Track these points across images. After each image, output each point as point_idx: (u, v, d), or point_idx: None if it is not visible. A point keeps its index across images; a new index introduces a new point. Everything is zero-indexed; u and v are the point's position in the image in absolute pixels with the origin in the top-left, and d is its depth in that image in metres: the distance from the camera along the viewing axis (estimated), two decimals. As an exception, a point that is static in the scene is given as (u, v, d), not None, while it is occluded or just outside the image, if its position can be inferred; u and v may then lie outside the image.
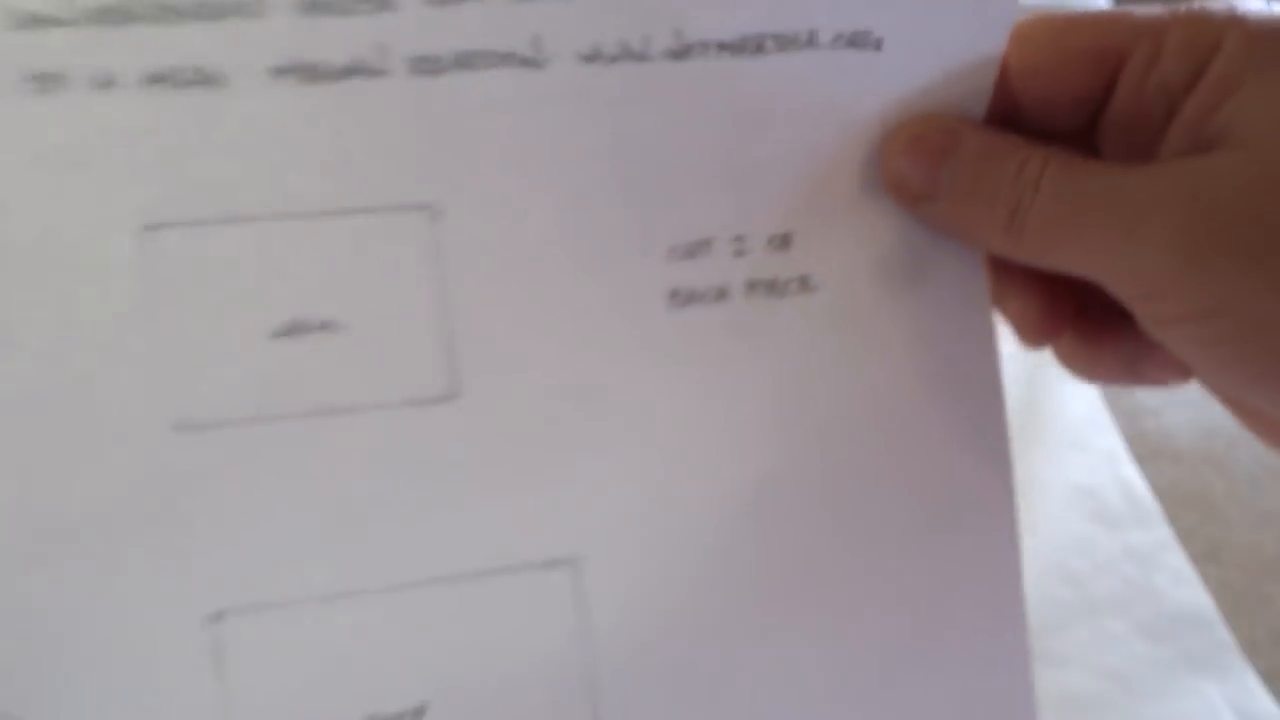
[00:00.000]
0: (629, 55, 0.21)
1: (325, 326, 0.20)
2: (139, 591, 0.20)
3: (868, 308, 0.23)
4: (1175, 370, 0.23)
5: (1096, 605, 0.40)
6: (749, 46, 0.22)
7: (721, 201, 0.22)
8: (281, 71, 0.19)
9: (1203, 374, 0.21)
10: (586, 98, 0.21)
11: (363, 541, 0.21)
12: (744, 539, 0.23)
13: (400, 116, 0.20)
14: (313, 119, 0.19)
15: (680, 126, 0.22)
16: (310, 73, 0.19)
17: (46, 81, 0.18)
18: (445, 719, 0.22)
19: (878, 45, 0.22)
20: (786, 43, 0.22)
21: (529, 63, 0.20)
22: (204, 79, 0.19)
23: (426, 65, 0.20)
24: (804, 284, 0.23)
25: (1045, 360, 0.25)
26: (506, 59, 0.20)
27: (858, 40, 0.22)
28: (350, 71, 0.20)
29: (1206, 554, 0.43)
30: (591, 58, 0.21)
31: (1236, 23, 0.20)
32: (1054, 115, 0.22)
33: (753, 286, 0.23)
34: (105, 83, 0.18)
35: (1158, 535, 0.41)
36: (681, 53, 0.21)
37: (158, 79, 0.19)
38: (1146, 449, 0.46)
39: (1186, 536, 0.43)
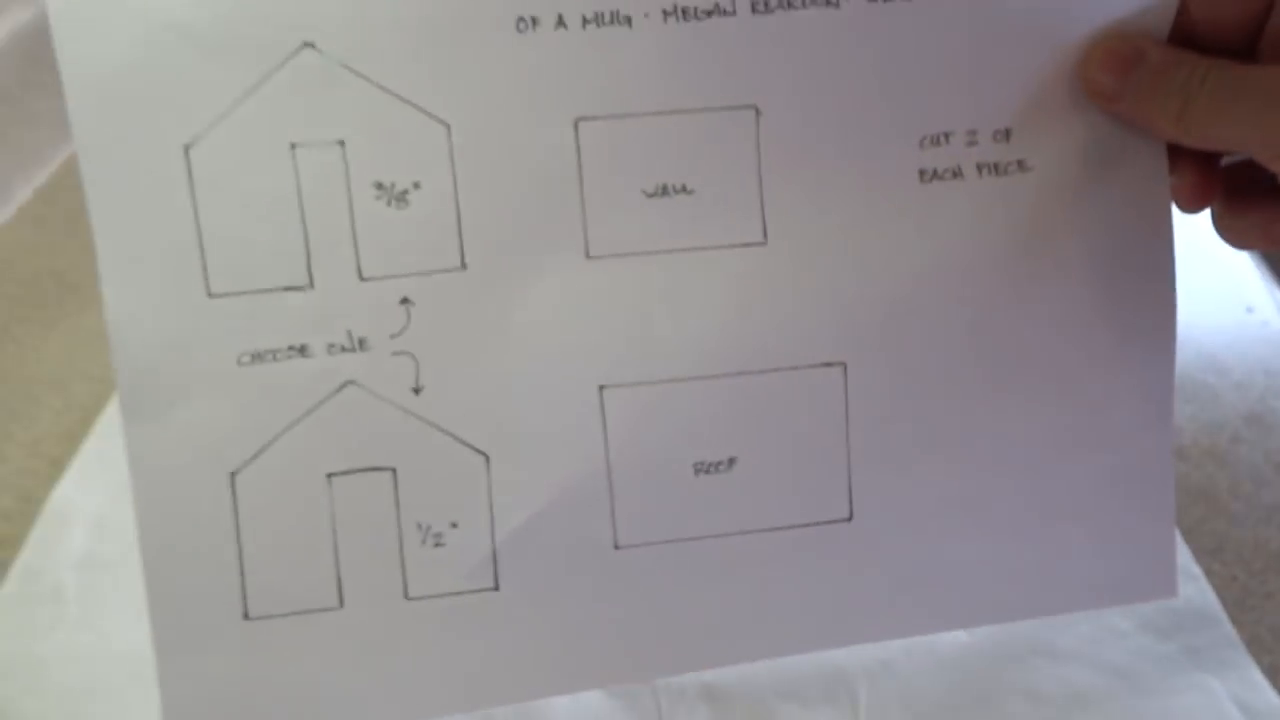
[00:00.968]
0: None
1: (683, 189, 0.30)
2: (564, 372, 0.30)
3: (1071, 183, 0.31)
4: None
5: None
6: None
7: (960, 104, 0.30)
8: (668, 13, 0.28)
9: None
10: (868, 27, 0.29)
11: (697, 344, 0.31)
12: (967, 358, 0.31)
13: (740, 43, 0.29)
14: (686, 45, 0.29)
15: (931, 47, 0.30)
16: (689, 13, 0.28)
17: (527, 22, 0.28)
18: (749, 469, 0.31)
19: None
20: None
21: (831, 3, 0.29)
22: (618, 19, 0.28)
23: (761, 6, 0.29)
24: (1021, 166, 0.31)
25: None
26: (816, 0, 0.29)
27: None
28: (710, 12, 0.29)
29: (1210, 550, 0.43)
30: None
31: None
32: (1222, 35, 0.29)
33: (981, 167, 0.31)
34: (560, 23, 0.28)
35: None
36: None
37: (589, 20, 0.28)
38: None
39: (1190, 532, 0.43)
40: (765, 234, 0.30)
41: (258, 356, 0.29)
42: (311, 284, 0.29)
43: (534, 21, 0.28)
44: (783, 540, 0.32)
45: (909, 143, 0.30)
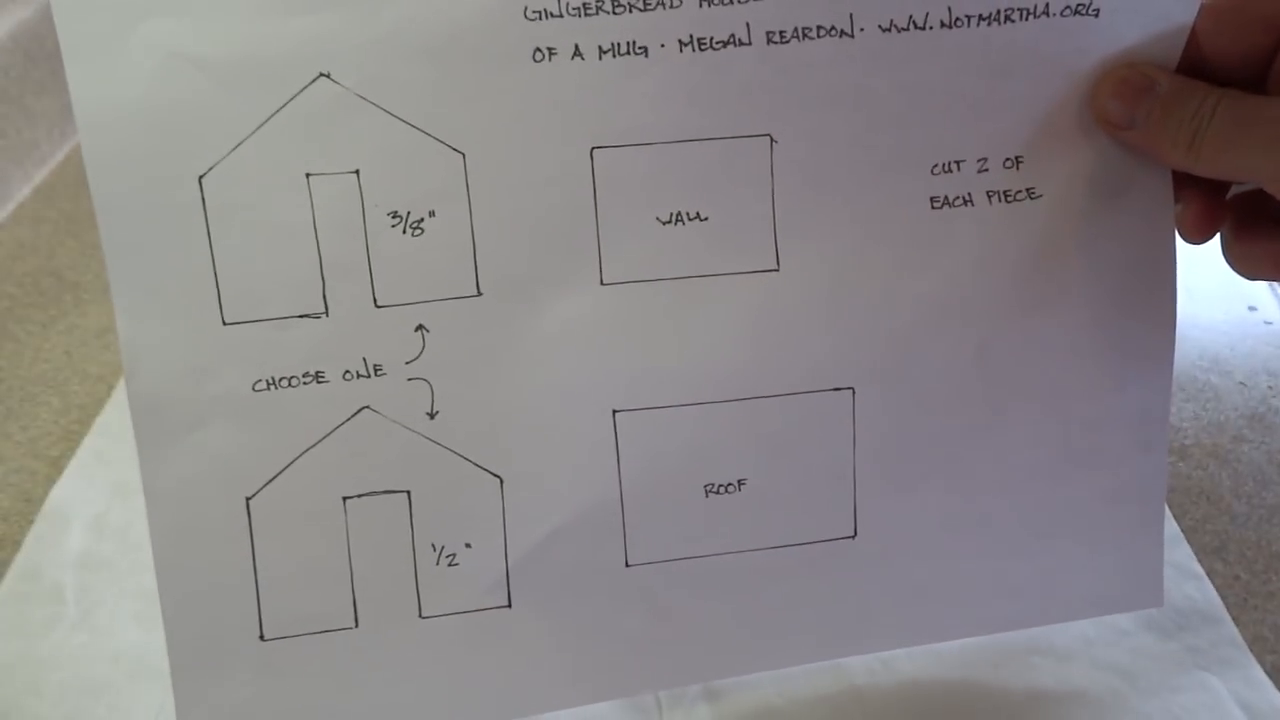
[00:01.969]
0: (914, 26, 0.29)
1: (697, 217, 0.30)
2: (578, 396, 0.30)
3: (1078, 211, 0.31)
4: None
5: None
6: (999, 16, 0.30)
7: (971, 131, 0.31)
8: (684, 44, 0.28)
9: None
10: (881, 57, 0.29)
11: (709, 369, 0.31)
12: (972, 381, 0.32)
13: (755, 73, 0.29)
14: (702, 75, 0.29)
15: (944, 77, 0.30)
16: (704, 43, 0.28)
17: (543, 53, 0.28)
18: (758, 490, 0.32)
19: (1096, 13, 0.30)
20: (1027, 13, 0.30)
21: (845, 33, 0.29)
22: (635, 49, 0.28)
23: (776, 36, 0.29)
24: (1030, 193, 0.31)
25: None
26: (830, 31, 0.29)
27: (1080, 9, 0.30)
28: (725, 43, 0.29)
29: (1213, 549, 0.42)
30: (888, 29, 0.29)
31: None
32: (1231, 67, 0.30)
33: (991, 195, 0.31)
34: (576, 53, 0.28)
35: (1164, 530, 0.37)
36: (951, 23, 0.29)
37: (605, 51, 0.28)
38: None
39: (1193, 532, 0.43)
40: (778, 261, 0.31)
41: (273, 383, 0.29)
42: (327, 312, 0.29)
43: (550, 52, 0.28)
44: (790, 557, 0.32)
45: (921, 170, 0.31)
